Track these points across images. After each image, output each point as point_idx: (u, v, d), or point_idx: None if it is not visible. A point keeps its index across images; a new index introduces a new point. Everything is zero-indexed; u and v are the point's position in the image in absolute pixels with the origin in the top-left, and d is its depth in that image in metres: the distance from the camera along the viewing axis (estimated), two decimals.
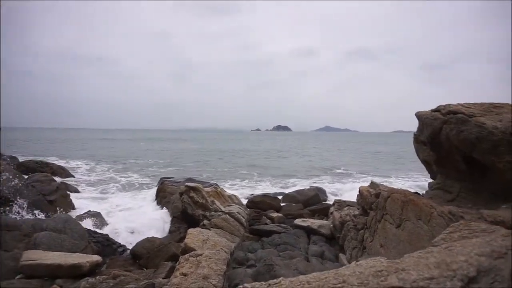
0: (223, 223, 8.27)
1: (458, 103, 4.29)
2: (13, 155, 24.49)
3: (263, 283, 1.85)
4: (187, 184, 9.93)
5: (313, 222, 8.57)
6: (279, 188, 18.19)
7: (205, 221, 8.43)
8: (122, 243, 8.56)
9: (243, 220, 8.96)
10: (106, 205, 12.98)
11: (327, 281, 1.76)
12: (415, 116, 5.37)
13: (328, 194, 15.81)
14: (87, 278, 5.42)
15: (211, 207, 9.07)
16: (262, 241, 7.53)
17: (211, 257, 4.47)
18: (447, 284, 1.53)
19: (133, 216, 11.34)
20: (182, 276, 3.99)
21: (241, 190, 17.01)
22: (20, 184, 11.15)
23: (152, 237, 8.17)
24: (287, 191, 16.18)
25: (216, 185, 12.86)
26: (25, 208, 10.17)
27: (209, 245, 5.02)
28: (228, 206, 9.71)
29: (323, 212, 11.16)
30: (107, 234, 8.63)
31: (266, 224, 9.60)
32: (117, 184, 18.28)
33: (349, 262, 6.46)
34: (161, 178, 16.22)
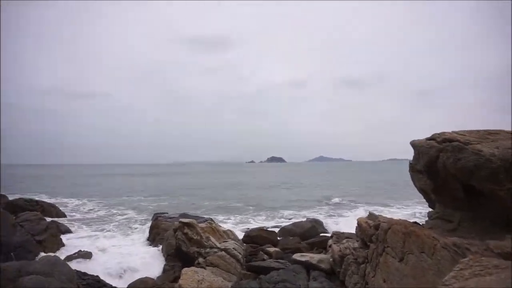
0: (219, 260, 7.97)
1: (452, 131, 4.28)
2: (2, 193, 23.92)
3: None
4: (181, 220, 9.68)
5: (312, 257, 8.30)
6: (275, 221, 17.85)
7: (200, 259, 8.12)
8: (113, 285, 8.16)
9: (240, 256, 8.66)
10: (97, 243, 12.51)
11: None
12: (410, 145, 5.35)
13: (325, 226, 15.52)
14: None
15: (206, 243, 8.79)
16: (260, 279, 7.21)
17: None
18: None
19: (126, 255, 10.92)
20: None
21: (236, 225, 16.63)
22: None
23: (145, 278, 7.83)
24: (283, 224, 15.86)
25: (211, 220, 12.58)
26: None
27: (204, 286, 4.78)
28: (224, 242, 9.42)
29: (322, 245, 10.88)
30: (97, 276, 8.22)
31: (263, 260, 9.30)
32: (109, 222, 17.78)
33: None
34: (154, 214, 15.83)
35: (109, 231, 15.36)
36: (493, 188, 3.87)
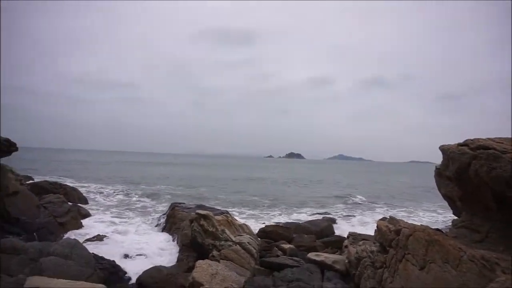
0: (233, 254, 7.95)
1: (488, 138, 4.04)
2: (28, 174, 24.82)
3: None
4: (197, 211, 9.71)
5: (327, 257, 8.16)
6: (291, 217, 17.74)
7: (215, 252, 8.12)
8: (128, 271, 8.29)
9: (254, 251, 8.62)
10: (115, 229, 12.79)
11: None
12: (438, 149, 5.11)
13: (341, 225, 15.30)
14: None
15: (221, 236, 8.79)
16: (274, 276, 7.14)
17: None
18: None
19: (142, 242, 11.10)
20: None
21: (252, 219, 16.63)
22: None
23: (160, 266, 7.91)
24: (299, 221, 15.72)
25: (227, 213, 12.59)
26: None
27: (218, 280, 4.75)
28: (239, 235, 9.40)
29: (337, 244, 10.72)
30: (114, 261, 8.39)
31: (277, 256, 9.22)
32: (128, 209, 18.16)
33: None
34: (172, 204, 16.02)
35: (127, 217, 15.68)
36: None
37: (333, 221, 15.55)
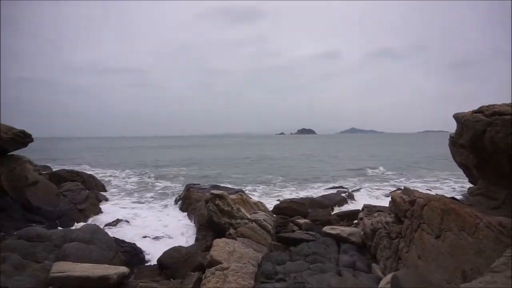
0: (250, 232, 8.08)
1: (503, 103, 3.91)
2: (47, 164, 25.42)
3: None
4: (212, 191, 9.84)
5: (343, 230, 8.23)
6: (305, 192, 17.85)
7: (231, 230, 8.27)
8: (149, 252, 8.56)
9: (270, 227, 8.75)
10: (134, 212, 13.13)
11: None
12: (452, 118, 5.00)
13: (356, 198, 15.35)
14: None
15: (237, 214, 8.93)
16: (290, 251, 7.26)
17: (238, 271, 4.30)
18: None
19: (160, 224, 11.39)
20: None
21: (266, 196, 16.80)
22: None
23: (179, 247, 8.10)
24: (313, 195, 15.82)
25: (242, 191, 12.73)
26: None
27: (235, 257, 4.85)
28: (254, 213, 9.53)
29: (352, 217, 10.77)
30: (134, 243, 8.64)
31: (293, 231, 9.34)
32: (144, 192, 18.54)
33: (384, 273, 6.10)
34: (187, 185, 16.28)
35: (144, 200, 16.02)
36: None
37: (348, 194, 15.59)
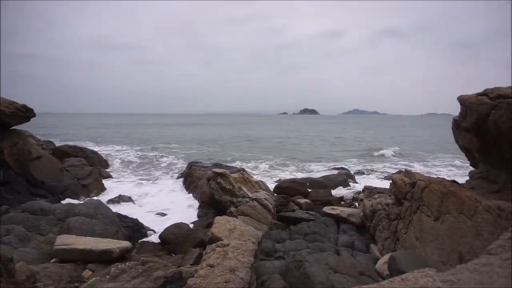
0: (251, 210, 8.19)
1: (508, 86, 3.85)
2: (50, 139, 25.54)
3: None
4: (214, 170, 9.90)
5: (343, 211, 8.32)
6: (306, 173, 17.94)
7: (232, 208, 8.37)
8: (151, 228, 8.70)
9: (271, 206, 8.85)
10: (136, 189, 13.30)
11: None
12: (456, 100, 4.94)
13: (357, 180, 15.43)
14: (117, 264, 5.51)
15: (238, 193, 9.01)
16: (290, 230, 7.38)
17: (238, 247, 4.37)
18: None
19: (162, 201, 11.55)
20: (209, 268, 3.91)
21: (268, 176, 16.91)
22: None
23: (181, 223, 8.22)
24: (314, 176, 15.90)
25: (243, 170, 12.80)
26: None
27: (236, 234, 4.92)
28: (256, 192, 9.62)
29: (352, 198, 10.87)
30: (136, 219, 8.78)
31: (293, 210, 9.45)
32: (147, 169, 18.70)
33: (381, 254, 6.20)
34: (189, 163, 16.38)
35: (146, 177, 16.17)
36: None
37: (349, 175, 15.65)
